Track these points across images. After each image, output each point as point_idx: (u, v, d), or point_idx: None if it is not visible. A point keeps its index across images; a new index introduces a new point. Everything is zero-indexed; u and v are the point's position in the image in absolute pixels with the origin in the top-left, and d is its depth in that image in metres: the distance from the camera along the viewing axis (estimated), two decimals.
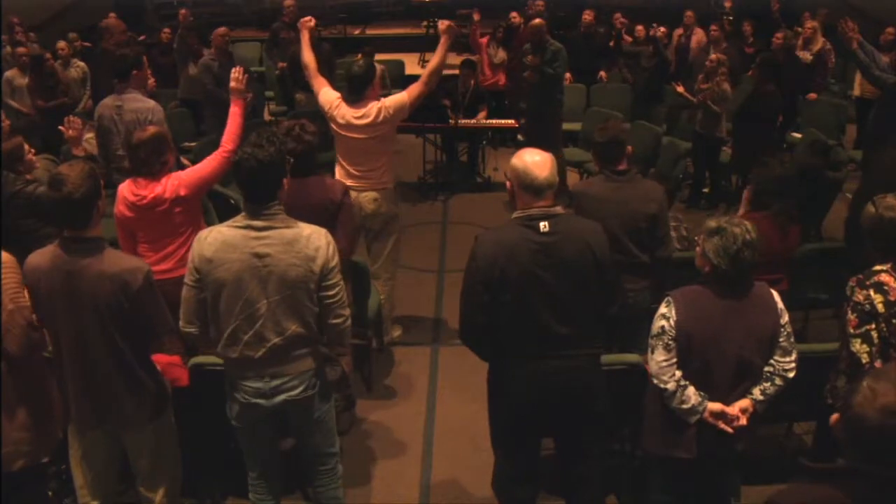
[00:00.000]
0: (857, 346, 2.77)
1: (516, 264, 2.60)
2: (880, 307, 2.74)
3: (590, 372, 2.76)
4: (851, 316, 2.80)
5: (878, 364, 2.74)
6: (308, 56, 4.59)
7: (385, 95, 4.48)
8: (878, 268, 2.80)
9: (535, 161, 2.66)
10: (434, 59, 4.44)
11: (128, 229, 3.65)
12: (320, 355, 2.83)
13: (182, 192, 3.56)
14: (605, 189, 3.59)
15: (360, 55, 9.27)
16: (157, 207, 3.54)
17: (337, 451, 3.04)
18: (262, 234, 2.59)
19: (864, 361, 2.75)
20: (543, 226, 2.60)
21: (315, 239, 2.63)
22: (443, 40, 4.43)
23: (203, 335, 2.75)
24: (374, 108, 4.26)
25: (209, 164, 3.73)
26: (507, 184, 2.76)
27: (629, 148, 3.67)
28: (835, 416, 1.72)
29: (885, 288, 2.75)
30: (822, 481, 1.71)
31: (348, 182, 4.26)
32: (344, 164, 4.42)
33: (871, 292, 2.75)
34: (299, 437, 2.97)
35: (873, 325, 2.76)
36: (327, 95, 4.39)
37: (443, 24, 4.49)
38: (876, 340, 2.75)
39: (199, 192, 3.74)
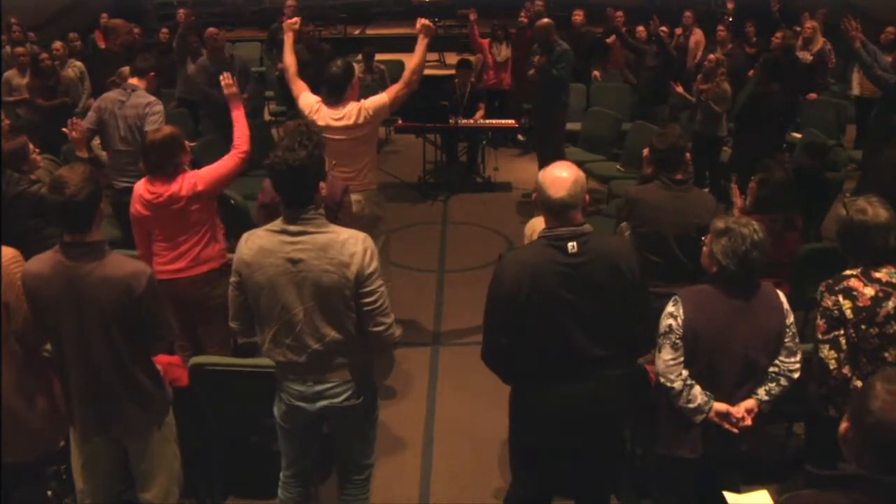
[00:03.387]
0: (825, 353, 2.77)
1: (542, 287, 2.50)
2: (849, 313, 2.73)
3: (619, 393, 2.70)
4: (820, 321, 2.80)
5: (846, 371, 2.75)
6: (289, 58, 4.54)
7: None
8: (848, 272, 2.79)
9: (554, 177, 2.52)
10: (413, 59, 4.36)
11: (144, 228, 3.65)
12: (365, 363, 2.78)
13: (199, 188, 3.57)
14: (663, 197, 3.55)
15: (360, 55, 9.33)
16: (173, 205, 3.54)
17: (373, 463, 3.01)
18: (296, 238, 2.53)
19: (831, 368, 2.75)
20: (571, 246, 2.49)
21: (351, 244, 2.53)
22: (420, 39, 4.37)
23: (245, 333, 2.75)
24: (355, 110, 4.21)
25: (226, 164, 3.74)
26: (534, 195, 2.65)
27: (688, 155, 3.63)
28: (844, 426, 1.68)
29: (855, 293, 2.73)
30: (829, 488, 1.68)
31: None
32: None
33: (840, 298, 2.74)
34: (339, 443, 2.92)
35: (841, 332, 2.75)
36: (307, 100, 4.34)
37: (419, 23, 4.40)
38: (844, 347, 2.75)
39: (216, 190, 3.73)
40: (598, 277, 2.53)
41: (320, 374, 2.66)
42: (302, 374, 2.67)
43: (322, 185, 2.58)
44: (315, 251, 2.53)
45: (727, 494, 2.41)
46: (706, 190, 7.18)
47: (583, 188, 2.55)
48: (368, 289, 2.56)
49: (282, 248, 2.54)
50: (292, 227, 2.54)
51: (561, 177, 2.52)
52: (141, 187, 3.58)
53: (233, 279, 2.66)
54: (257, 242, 2.58)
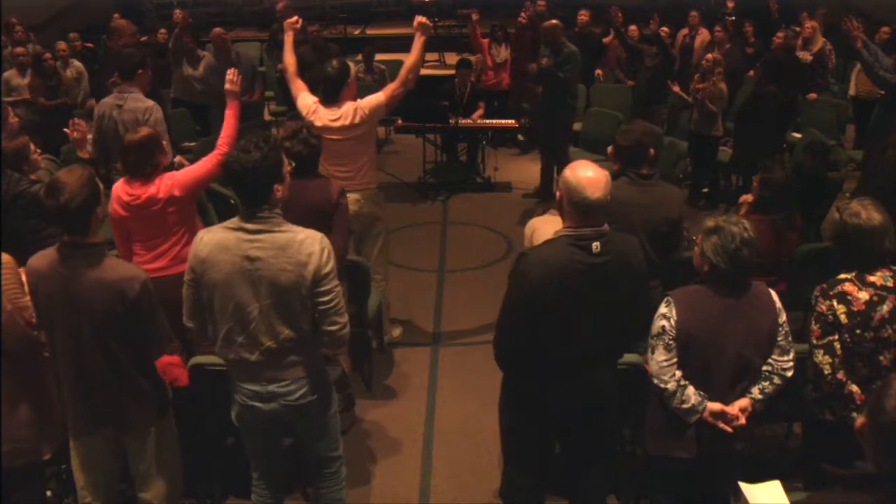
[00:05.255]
0: (820, 358, 2.76)
1: (567, 287, 2.50)
2: (843, 318, 2.72)
3: (614, 385, 2.76)
4: (814, 326, 2.79)
5: (840, 376, 2.74)
6: (289, 58, 4.54)
7: None
8: (842, 276, 2.78)
9: (588, 178, 2.51)
10: (410, 57, 4.37)
11: (122, 229, 3.65)
12: (319, 360, 2.80)
13: (176, 193, 3.57)
14: (631, 192, 3.54)
15: (360, 55, 9.33)
16: (151, 207, 3.55)
17: (341, 455, 3.02)
18: (254, 237, 2.56)
19: (826, 373, 2.75)
20: (595, 247, 2.50)
21: (308, 244, 2.57)
22: (417, 37, 4.37)
23: (200, 332, 2.75)
24: (351, 110, 4.22)
25: (204, 166, 3.73)
26: (557, 194, 2.62)
27: (652, 151, 3.65)
28: (861, 421, 1.66)
29: (849, 298, 2.72)
30: (848, 490, 1.67)
31: None
32: (326, 166, 4.38)
33: (835, 303, 2.73)
34: (302, 441, 2.94)
35: (836, 337, 2.74)
36: (305, 100, 4.35)
37: (417, 21, 4.41)
38: (839, 352, 2.74)
39: (194, 193, 3.74)
40: (616, 276, 2.56)
41: (274, 372, 2.67)
42: (255, 373, 2.68)
43: (278, 187, 2.59)
44: (274, 250, 2.55)
45: (742, 485, 2.42)
46: (705, 190, 7.24)
47: (611, 187, 2.58)
48: (325, 288, 2.59)
49: (239, 245, 2.56)
50: (249, 225, 2.56)
51: (596, 177, 2.53)
52: (119, 188, 3.59)
53: (187, 277, 2.67)
54: (213, 239, 2.60)
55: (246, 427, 2.83)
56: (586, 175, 2.53)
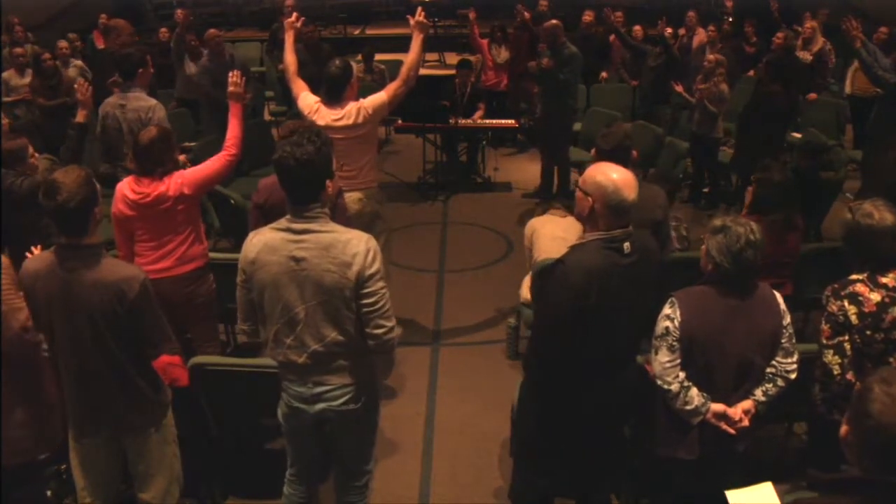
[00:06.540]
0: (829, 358, 2.77)
1: (607, 289, 2.50)
2: (854, 319, 2.72)
3: (633, 386, 2.78)
4: (825, 326, 2.79)
5: (849, 376, 2.74)
6: (290, 58, 4.53)
7: None
8: (854, 277, 2.78)
9: (622, 179, 2.50)
10: (410, 56, 4.36)
11: (126, 228, 3.63)
12: (368, 368, 2.77)
13: (186, 191, 3.57)
14: None
15: (360, 55, 9.33)
16: (160, 205, 3.53)
17: (371, 470, 3.00)
18: (299, 237, 2.52)
19: (835, 373, 2.75)
20: (626, 247, 2.51)
21: (354, 245, 2.52)
22: (415, 35, 4.36)
23: (254, 334, 2.72)
24: (354, 109, 4.21)
25: (212, 165, 3.73)
26: (588, 200, 2.53)
27: (635, 153, 3.64)
28: (844, 430, 1.67)
29: (860, 299, 2.72)
30: (832, 492, 1.67)
31: None
32: None
33: (846, 303, 2.74)
34: (338, 448, 2.90)
35: (846, 337, 2.74)
36: (306, 100, 4.33)
37: (413, 19, 4.40)
38: (848, 352, 2.74)
39: (201, 192, 3.74)
40: (645, 275, 2.59)
41: (320, 375, 2.65)
42: (302, 375, 2.66)
43: (328, 183, 2.57)
44: (318, 250, 2.51)
45: (728, 493, 2.41)
46: (705, 190, 7.24)
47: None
48: (369, 290, 2.54)
49: (285, 245, 2.53)
50: (296, 225, 2.53)
51: (627, 178, 2.53)
52: (125, 187, 3.56)
53: (239, 279, 2.64)
54: (262, 240, 2.57)
55: (291, 428, 2.82)
56: (617, 177, 2.52)
